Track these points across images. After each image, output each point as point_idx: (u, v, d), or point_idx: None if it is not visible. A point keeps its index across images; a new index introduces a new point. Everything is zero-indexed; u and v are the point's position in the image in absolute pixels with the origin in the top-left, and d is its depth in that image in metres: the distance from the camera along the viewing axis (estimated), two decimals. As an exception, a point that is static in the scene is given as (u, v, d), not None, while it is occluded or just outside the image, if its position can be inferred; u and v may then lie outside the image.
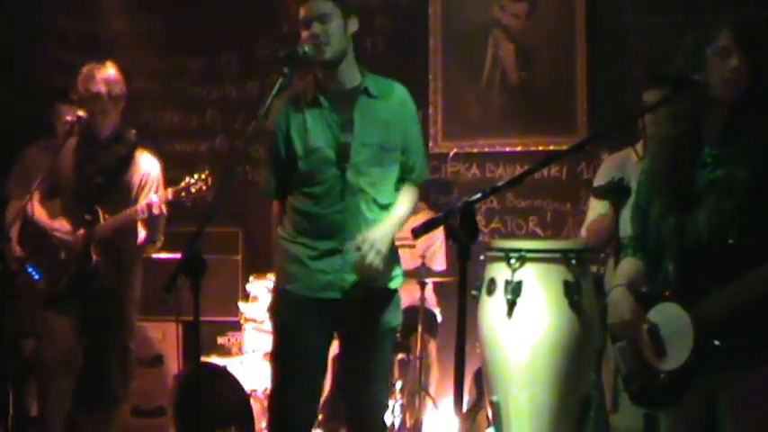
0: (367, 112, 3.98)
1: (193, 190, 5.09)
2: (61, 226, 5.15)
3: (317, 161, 3.96)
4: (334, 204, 3.96)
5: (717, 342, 3.16)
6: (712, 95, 3.23)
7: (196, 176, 5.11)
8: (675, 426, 3.41)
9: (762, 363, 3.17)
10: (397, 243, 4.46)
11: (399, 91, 4.11)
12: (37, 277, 5.14)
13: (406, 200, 4.11)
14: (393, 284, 4.13)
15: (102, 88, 5.10)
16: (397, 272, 4.16)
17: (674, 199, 3.29)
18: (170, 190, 5.13)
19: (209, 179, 5.10)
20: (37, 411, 5.23)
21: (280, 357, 4.11)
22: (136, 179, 5.21)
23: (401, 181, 4.14)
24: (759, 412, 3.18)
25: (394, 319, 4.15)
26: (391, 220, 4.01)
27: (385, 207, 4.03)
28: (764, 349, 3.17)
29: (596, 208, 5.35)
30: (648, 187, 3.43)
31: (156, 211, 5.04)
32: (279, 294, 4.18)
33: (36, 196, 5.11)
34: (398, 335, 5.74)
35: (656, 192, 3.37)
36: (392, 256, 4.09)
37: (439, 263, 6.38)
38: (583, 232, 5.70)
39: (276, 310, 4.19)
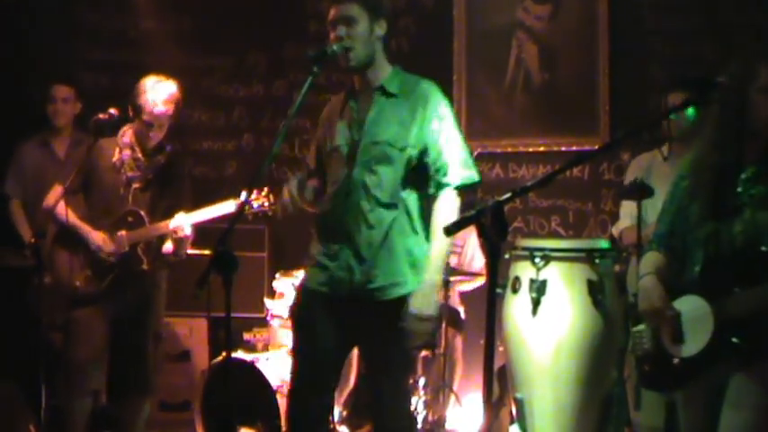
0: (382, 110, 3.98)
1: (255, 205, 5.10)
2: (103, 241, 5.14)
3: (336, 159, 4.01)
4: (341, 203, 3.96)
5: (735, 339, 3.26)
6: (754, 130, 3.33)
7: (255, 194, 5.08)
8: (690, 415, 3.52)
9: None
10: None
11: (424, 87, 4.03)
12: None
13: (441, 221, 3.85)
14: (403, 291, 3.95)
15: (171, 108, 5.12)
16: (405, 279, 3.98)
17: (712, 208, 3.38)
18: (230, 202, 5.11)
19: (271, 196, 5.07)
20: (63, 409, 5.27)
21: (294, 351, 4.18)
22: (175, 192, 5.27)
23: (436, 187, 3.96)
24: (759, 402, 3.26)
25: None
26: (433, 269, 3.90)
27: (387, 206, 3.95)
28: None
29: (628, 207, 5.39)
30: (687, 193, 3.51)
31: (181, 233, 5.09)
32: (298, 291, 4.25)
33: (58, 192, 5.11)
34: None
35: (695, 199, 3.46)
36: (403, 263, 3.98)
37: (477, 262, 6.45)
38: (614, 231, 5.75)
39: (294, 306, 4.25)
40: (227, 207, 5.13)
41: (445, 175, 3.95)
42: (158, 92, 5.11)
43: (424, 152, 3.96)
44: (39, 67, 7.21)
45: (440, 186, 3.96)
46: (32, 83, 7.04)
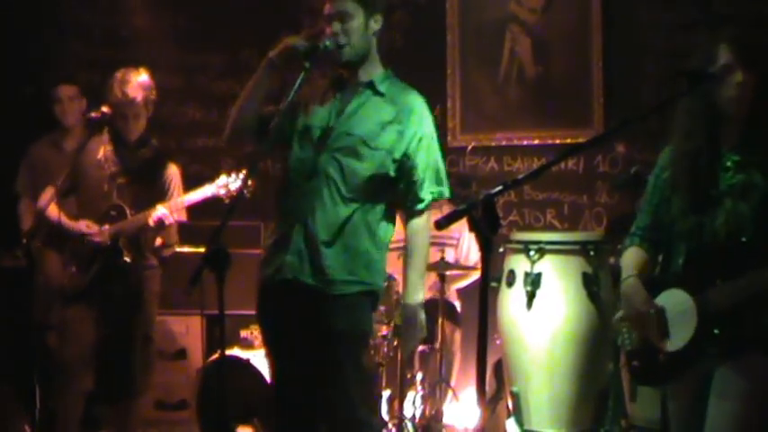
0: (365, 105, 3.94)
1: (233, 188, 5.10)
2: (86, 226, 5.17)
3: (305, 139, 3.94)
4: (300, 185, 3.89)
5: (716, 331, 3.27)
6: (724, 112, 3.32)
7: (233, 175, 5.12)
8: (678, 406, 3.53)
9: (754, 352, 3.28)
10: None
11: (412, 98, 3.99)
12: None
13: (418, 246, 3.96)
14: (354, 290, 3.89)
15: (139, 94, 5.14)
16: (358, 278, 3.91)
17: (694, 200, 3.38)
18: (207, 187, 5.16)
19: (249, 182, 5.08)
20: (55, 409, 5.27)
21: (267, 352, 4.12)
22: (161, 185, 5.28)
23: (411, 203, 3.95)
24: (744, 392, 3.27)
25: (356, 324, 3.92)
26: (414, 285, 3.92)
27: (348, 200, 3.86)
28: (759, 341, 3.28)
29: None
30: (668, 185, 3.50)
31: (167, 221, 5.12)
32: (259, 282, 4.08)
33: (51, 193, 5.15)
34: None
35: (676, 191, 3.46)
36: (357, 263, 3.91)
37: (473, 256, 6.42)
38: None
39: (257, 298, 4.09)
40: (204, 192, 5.16)
41: (419, 190, 3.95)
42: (125, 81, 5.14)
43: (400, 163, 3.94)
44: (35, 67, 7.20)
45: (414, 202, 3.97)
46: (29, 82, 7.05)
